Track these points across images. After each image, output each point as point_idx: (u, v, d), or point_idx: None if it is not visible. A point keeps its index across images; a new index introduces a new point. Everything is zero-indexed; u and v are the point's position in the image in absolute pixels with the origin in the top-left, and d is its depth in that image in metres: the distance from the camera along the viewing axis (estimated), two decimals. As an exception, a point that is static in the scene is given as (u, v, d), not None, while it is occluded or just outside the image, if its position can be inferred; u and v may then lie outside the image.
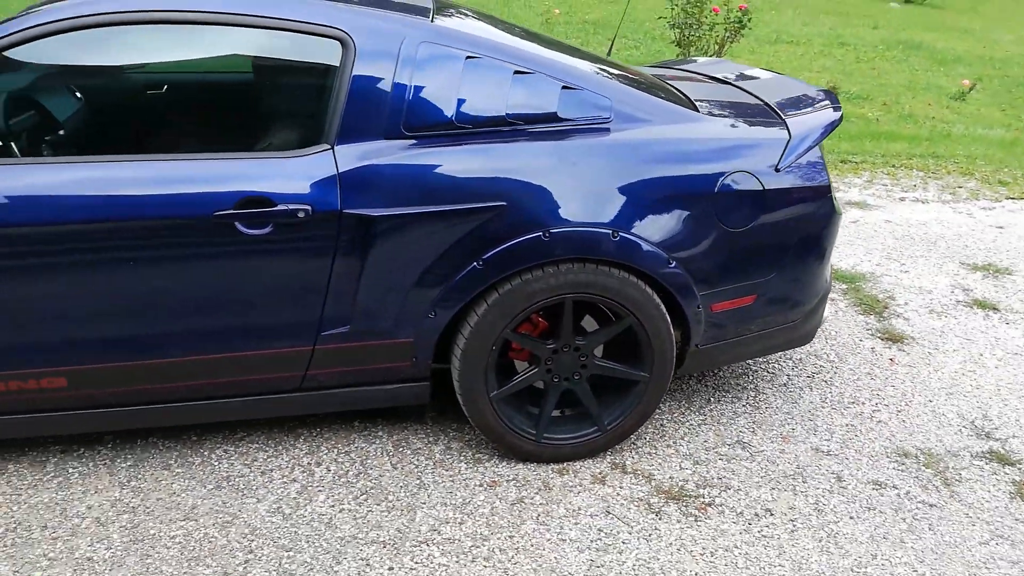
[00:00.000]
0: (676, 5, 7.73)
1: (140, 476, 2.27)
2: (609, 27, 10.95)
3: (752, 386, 2.83)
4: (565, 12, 11.71)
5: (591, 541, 2.11)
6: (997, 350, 3.13)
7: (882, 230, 4.35)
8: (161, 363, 2.12)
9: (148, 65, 2.28)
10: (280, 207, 2.01)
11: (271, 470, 2.32)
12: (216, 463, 2.34)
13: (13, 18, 2.03)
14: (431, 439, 2.49)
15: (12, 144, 2.18)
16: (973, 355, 3.09)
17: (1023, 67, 9.85)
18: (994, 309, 3.47)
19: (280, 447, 2.42)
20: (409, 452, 2.43)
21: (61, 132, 2.23)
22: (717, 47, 7.85)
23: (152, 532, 2.08)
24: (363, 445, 2.45)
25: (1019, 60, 10.33)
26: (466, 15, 2.49)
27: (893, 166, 5.60)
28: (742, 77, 2.95)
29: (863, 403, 2.76)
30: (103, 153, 2.06)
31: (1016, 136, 6.58)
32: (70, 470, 2.28)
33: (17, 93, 2.27)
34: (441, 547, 2.07)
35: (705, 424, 2.61)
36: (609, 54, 3.39)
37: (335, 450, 2.42)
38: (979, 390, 2.86)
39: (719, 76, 2.95)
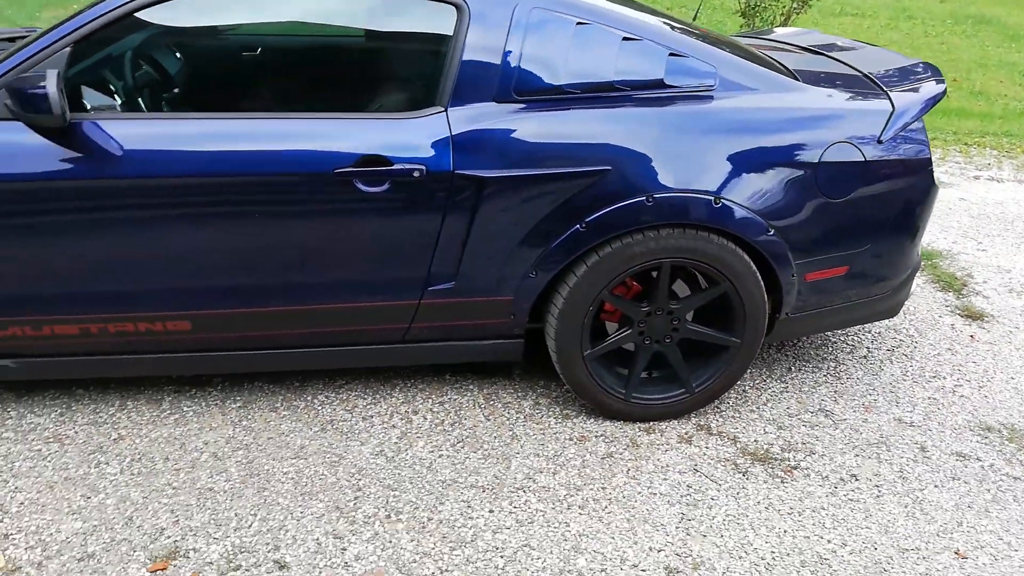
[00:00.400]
0: (742, -27, 7.59)
1: (250, 417, 2.41)
2: (667, -5, 10.78)
3: (832, 357, 2.87)
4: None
5: (681, 496, 2.19)
6: (1079, 332, 3.11)
7: (957, 208, 4.30)
8: (276, 311, 2.23)
9: (270, 27, 2.35)
10: (397, 166, 2.09)
11: (371, 416, 2.44)
12: (319, 408, 2.47)
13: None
14: (520, 394, 2.58)
15: (139, 99, 2.29)
16: (1055, 336, 3.07)
17: (1101, 45, 9.47)
18: (1075, 291, 3.43)
19: (378, 395, 2.53)
20: (500, 405, 2.53)
21: (188, 90, 2.33)
22: (783, 18, 7.70)
23: (266, 468, 2.21)
24: (456, 397, 2.55)
25: (1097, 37, 9.93)
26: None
27: (966, 144, 5.49)
28: (832, 48, 2.94)
29: (944, 377, 2.78)
30: (229, 111, 2.16)
31: (1095, 117, 6.37)
32: (185, 408, 2.43)
33: (144, 52, 2.37)
34: (537, 494, 2.17)
35: (787, 392, 2.66)
36: (695, 20, 3.39)
37: (430, 400, 2.53)
38: (1062, 370, 2.86)
39: (810, 46, 2.94)
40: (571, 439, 2.39)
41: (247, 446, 2.29)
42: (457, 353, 2.43)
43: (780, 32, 3.36)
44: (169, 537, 1.96)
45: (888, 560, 2.02)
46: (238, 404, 2.46)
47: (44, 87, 1.86)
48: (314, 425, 2.39)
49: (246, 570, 1.89)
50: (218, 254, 2.14)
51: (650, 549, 2.01)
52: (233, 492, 2.12)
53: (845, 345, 2.95)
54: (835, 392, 2.67)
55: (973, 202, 4.40)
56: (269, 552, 1.94)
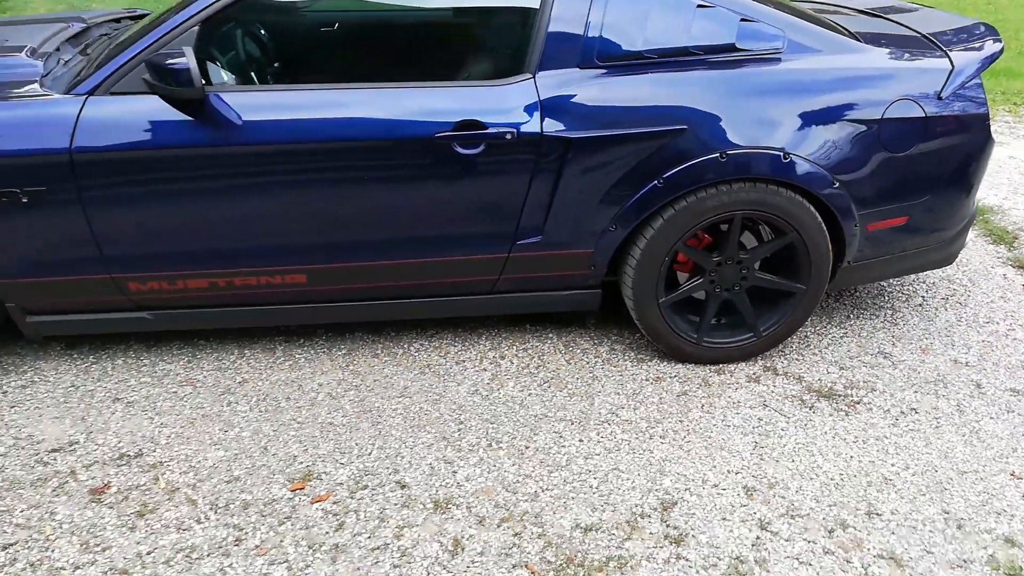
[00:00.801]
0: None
1: (355, 362, 2.66)
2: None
3: (889, 305, 3.03)
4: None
5: (752, 427, 2.40)
6: None
7: (1007, 165, 4.38)
8: (381, 264, 2.46)
9: (369, 5, 2.56)
10: (491, 130, 2.30)
11: (463, 361, 2.68)
12: (415, 354, 2.71)
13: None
14: (596, 341, 2.80)
15: (250, 72, 2.51)
16: (1105, 284, 3.19)
17: None
18: None
19: (467, 343, 2.77)
20: (579, 351, 2.75)
21: (296, 62, 2.55)
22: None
23: (376, 405, 2.46)
24: (538, 344, 2.78)
25: None
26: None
27: (1015, 103, 5.52)
28: (890, 10, 3.06)
29: (998, 322, 2.93)
30: (336, 82, 2.38)
31: None
32: (297, 355, 2.69)
33: (255, 27, 2.59)
34: (621, 426, 2.40)
35: (847, 336, 2.84)
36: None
37: (515, 347, 2.75)
38: (1112, 315, 2.99)
39: (868, 9, 3.06)
40: (647, 379, 2.61)
41: (356, 387, 2.54)
42: (540, 303, 2.65)
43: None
44: (302, 463, 2.23)
45: (948, 480, 2.21)
46: (343, 351, 2.71)
47: (185, 63, 2.09)
48: (413, 369, 2.63)
49: (372, 489, 2.14)
50: (330, 213, 2.37)
51: (728, 472, 2.23)
52: (351, 425, 2.38)
53: (901, 294, 3.10)
54: (893, 336, 2.84)
55: (1023, 159, 4.47)
56: (390, 474, 2.19)
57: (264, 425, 2.37)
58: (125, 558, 1.93)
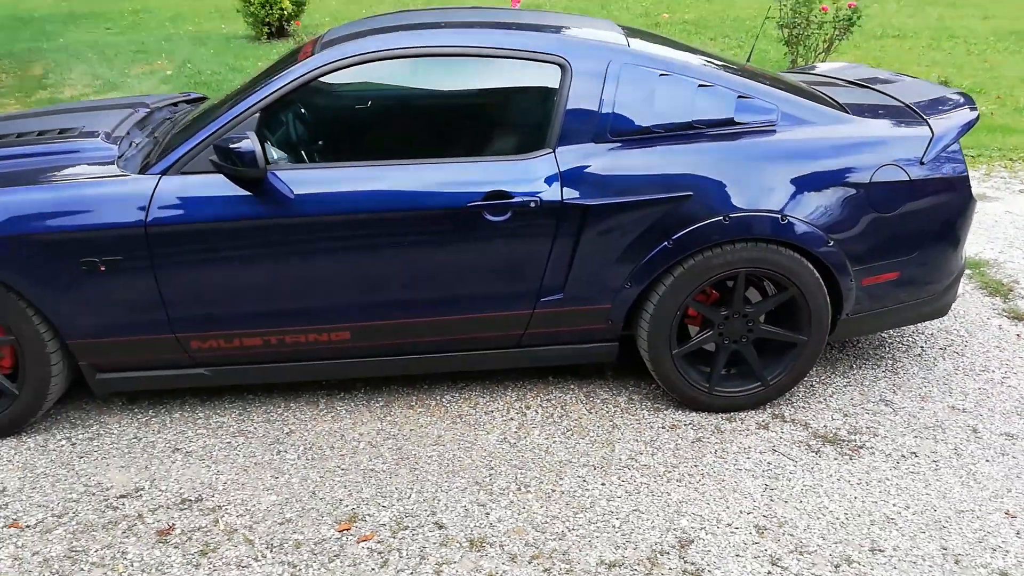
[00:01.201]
0: (785, 5, 8.00)
1: (392, 413, 2.88)
2: (707, 27, 11.22)
3: (889, 355, 3.22)
4: (655, 14, 12.04)
5: (763, 471, 2.57)
6: (1121, 328, 3.40)
7: (1003, 220, 4.60)
8: (419, 321, 2.70)
9: (405, 88, 2.86)
10: (517, 199, 2.56)
11: (492, 411, 2.89)
12: (447, 405, 2.92)
13: (310, 57, 2.64)
14: (614, 391, 3.00)
15: (302, 151, 2.80)
16: (1097, 332, 3.37)
17: None
18: (1118, 292, 3.71)
19: (495, 394, 2.98)
20: (599, 401, 2.95)
21: (341, 140, 2.84)
22: (826, 45, 8.07)
23: (413, 452, 2.67)
24: (560, 395, 2.98)
25: None
26: (650, 38, 2.99)
27: (1011, 159, 5.76)
28: (875, 80, 3.33)
29: (993, 371, 3.10)
30: (376, 159, 2.67)
31: None
32: (338, 407, 2.91)
33: (298, 108, 2.89)
34: (640, 471, 2.58)
35: (850, 385, 3.03)
36: (749, 60, 3.82)
37: (539, 397, 2.96)
38: (1104, 362, 3.16)
39: (855, 80, 3.34)
40: (664, 427, 2.80)
41: (394, 436, 2.75)
42: (562, 356, 2.87)
43: (823, 67, 3.76)
44: (347, 506, 2.43)
45: (946, 519, 2.37)
46: (380, 403, 2.93)
47: (251, 146, 2.38)
48: (446, 419, 2.84)
49: (412, 529, 2.33)
50: (372, 276, 2.62)
51: (740, 512, 2.40)
52: (391, 471, 2.58)
53: (901, 344, 3.29)
54: (893, 384, 3.02)
55: (1018, 214, 4.69)
56: (428, 516, 2.38)
57: (311, 472, 2.58)
58: (191, 593, 2.12)
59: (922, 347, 3.28)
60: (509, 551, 2.25)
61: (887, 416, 2.84)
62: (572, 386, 3.04)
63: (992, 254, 4.15)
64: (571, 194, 2.58)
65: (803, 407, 2.90)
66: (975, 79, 8.28)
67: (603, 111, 2.62)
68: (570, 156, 2.61)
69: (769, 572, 2.18)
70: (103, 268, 2.51)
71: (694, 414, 2.87)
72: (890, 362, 3.18)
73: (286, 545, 2.27)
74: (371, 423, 2.82)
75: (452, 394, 2.99)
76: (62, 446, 2.71)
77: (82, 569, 2.19)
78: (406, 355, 2.78)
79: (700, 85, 2.68)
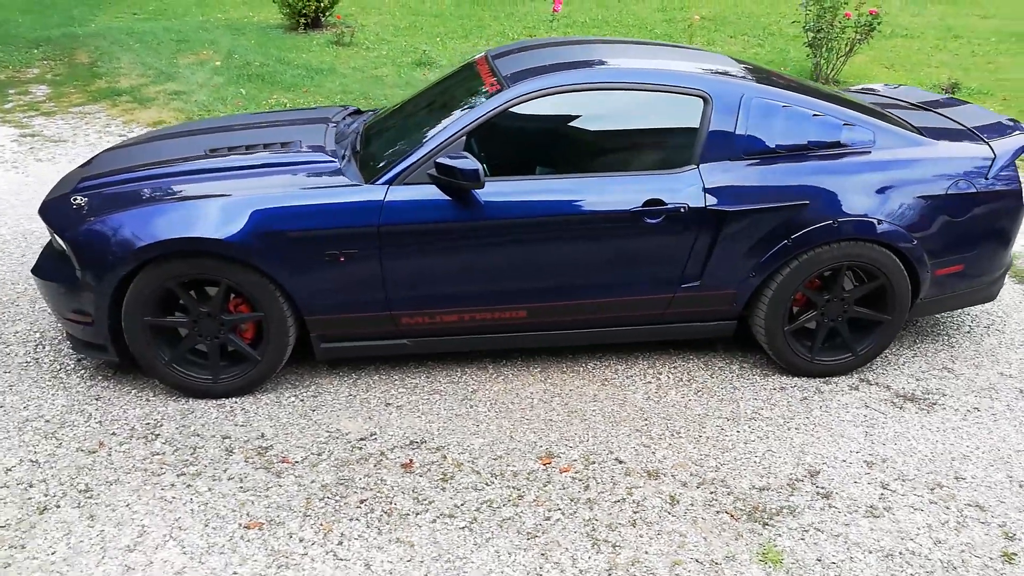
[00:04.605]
0: (810, 10, 8.63)
1: (551, 377, 3.52)
2: (725, 23, 11.82)
3: (945, 333, 3.91)
4: (677, 10, 12.60)
5: (861, 421, 3.25)
6: None
7: (1023, 217, 5.31)
8: (583, 303, 3.34)
9: (576, 114, 3.46)
10: (670, 206, 3.20)
11: (631, 375, 3.54)
12: (594, 370, 3.57)
13: (506, 89, 3.23)
14: (728, 360, 3.67)
15: (487, 165, 3.39)
16: (1110, 314, 4.08)
17: None
18: (1125, 280, 4.43)
19: (629, 362, 3.63)
20: (717, 368, 3.61)
21: (524, 158, 3.44)
22: (847, 47, 8.72)
23: (579, 407, 3.32)
24: (684, 363, 3.64)
25: None
26: (773, 75, 3.63)
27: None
28: (936, 104, 4.00)
29: (1031, 344, 3.82)
30: (552, 173, 3.29)
31: None
32: (504, 372, 3.55)
33: (495, 132, 3.47)
34: (764, 422, 3.25)
35: (917, 356, 3.72)
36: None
37: (667, 365, 3.62)
38: (1117, 338, 3.87)
39: (918, 103, 4.00)
40: (775, 389, 3.47)
41: (559, 394, 3.39)
42: (691, 331, 3.52)
43: (883, 89, 4.41)
44: (541, 446, 3.07)
45: (1008, 456, 3.07)
46: (538, 369, 3.57)
47: (475, 164, 2.99)
48: (595, 382, 3.49)
49: (599, 464, 2.99)
50: (550, 266, 3.25)
51: (850, 451, 3.08)
52: (565, 421, 3.22)
53: (952, 324, 3.99)
54: (951, 356, 3.72)
55: (1035, 211, 5.39)
56: (608, 454, 3.04)
57: (504, 421, 3.22)
58: (447, 507, 2.76)
59: (970, 326, 3.98)
60: (680, 479, 2.92)
61: (950, 380, 3.54)
62: (691, 356, 3.70)
63: (1018, 248, 4.85)
64: (712, 201, 3.22)
65: (883, 373, 3.58)
66: (982, 81, 8.97)
67: (737, 134, 3.26)
68: (711, 171, 3.25)
69: (882, 493, 2.86)
70: (342, 259, 3.11)
71: (796, 379, 3.54)
72: (946, 338, 3.87)
73: (506, 474, 2.92)
74: (536, 384, 3.46)
75: (595, 362, 3.63)
76: (293, 402, 3.32)
77: (355, 491, 2.82)
78: (571, 330, 3.42)
79: (814, 115, 3.33)
